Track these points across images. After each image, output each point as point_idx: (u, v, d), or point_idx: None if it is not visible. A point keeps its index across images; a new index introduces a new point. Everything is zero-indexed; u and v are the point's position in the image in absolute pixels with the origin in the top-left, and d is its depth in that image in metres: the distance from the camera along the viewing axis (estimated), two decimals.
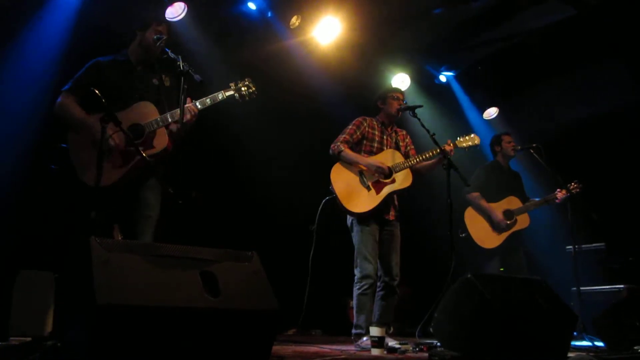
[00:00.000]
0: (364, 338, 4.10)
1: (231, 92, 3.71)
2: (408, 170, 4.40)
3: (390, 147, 4.57)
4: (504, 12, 6.07)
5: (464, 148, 4.49)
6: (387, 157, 4.45)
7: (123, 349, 2.10)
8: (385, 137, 4.60)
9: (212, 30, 5.71)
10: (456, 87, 7.62)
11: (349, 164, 4.40)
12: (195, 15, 5.48)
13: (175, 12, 5.35)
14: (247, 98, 3.75)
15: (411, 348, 3.76)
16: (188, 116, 3.47)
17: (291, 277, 4.83)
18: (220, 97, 3.66)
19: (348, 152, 4.40)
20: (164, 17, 3.82)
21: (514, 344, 2.89)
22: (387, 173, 4.31)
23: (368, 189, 4.32)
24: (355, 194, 4.31)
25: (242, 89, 3.74)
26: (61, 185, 3.61)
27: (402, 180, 4.36)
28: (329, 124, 5.10)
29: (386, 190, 4.32)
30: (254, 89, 3.77)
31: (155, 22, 3.71)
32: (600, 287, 5.41)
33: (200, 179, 5.47)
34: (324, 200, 4.54)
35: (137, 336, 2.14)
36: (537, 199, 5.53)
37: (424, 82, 7.41)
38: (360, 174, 4.36)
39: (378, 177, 4.34)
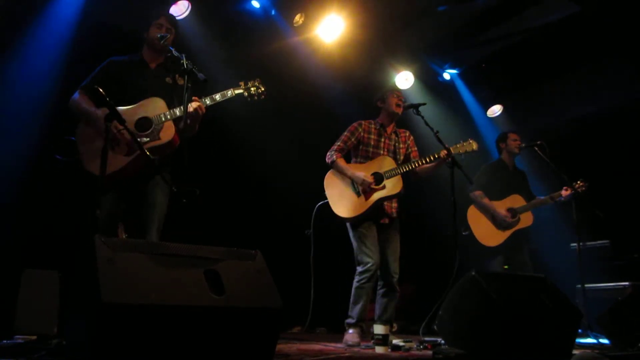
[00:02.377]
0: (350, 330, 4.22)
1: (240, 91, 3.72)
2: (399, 176, 4.41)
3: (386, 151, 4.58)
4: (509, 9, 6.06)
5: (461, 154, 4.41)
6: (380, 164, 4.47)
7: (128, 348, 2.11)
8: (382, 140, 4.60)
9: (216, 28, 5.71)
10: (460, 85, 7.58)
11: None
12: (199, 14, 5.49)
13: (179, 11, 5.37)
14: (255, 98, 3.75)
15: (415, 346, 3.77)
16: (191, 109, 3.47)
17: (295, 276, 4.83)
18: (229, 94, 3.67)
19: (339, 163, 4.46)
20: (163, 12, 3.85)
21: (518, 341, 2.89)
22: (369, 184, 4.32)
23: (358, 194, 4.36)
24: (345, 200, 4.38)
25: (252, 88, 3.75)
26: (67, 177, 3.61)
27: (392, 187, 4.38)
28: (332, 122, 5.09)
29: (375, 196, 4.35)
30: (263, 89, 3.77)
31: (154, 20, 3.76)
32: (604, 285, 5.41)
33: (204, 177, 5.47)
34: (317, 205, 4.64)
35: (142, 334, 2.15)
36: (541, 197, 5.51)
37: (428, 79, 7.38)
38: (352, 180, 4.40)
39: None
